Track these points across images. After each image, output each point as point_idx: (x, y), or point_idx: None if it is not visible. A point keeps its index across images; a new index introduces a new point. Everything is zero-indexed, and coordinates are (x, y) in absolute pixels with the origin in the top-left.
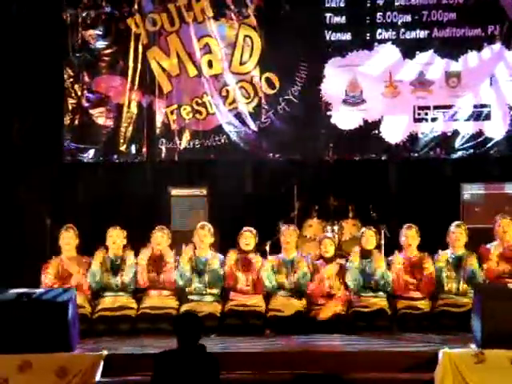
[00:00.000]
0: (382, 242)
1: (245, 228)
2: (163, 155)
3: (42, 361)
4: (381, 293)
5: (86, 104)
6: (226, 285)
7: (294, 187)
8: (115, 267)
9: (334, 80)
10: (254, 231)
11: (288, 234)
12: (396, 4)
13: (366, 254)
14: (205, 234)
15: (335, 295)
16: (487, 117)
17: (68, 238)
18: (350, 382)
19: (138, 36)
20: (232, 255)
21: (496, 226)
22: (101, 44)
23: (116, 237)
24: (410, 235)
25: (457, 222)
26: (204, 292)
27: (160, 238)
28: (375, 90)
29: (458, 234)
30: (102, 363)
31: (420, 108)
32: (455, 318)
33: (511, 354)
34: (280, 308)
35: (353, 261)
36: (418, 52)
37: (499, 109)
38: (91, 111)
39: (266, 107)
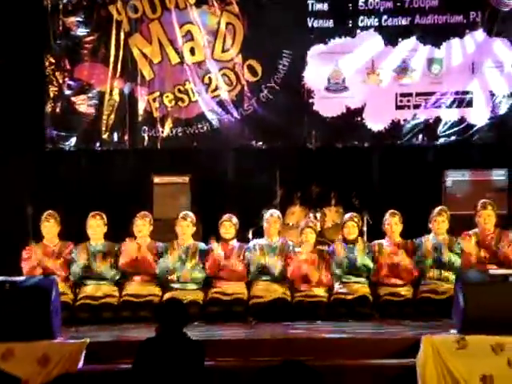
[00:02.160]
0: (365, 228)
1: (224, 217)
2: (145, 143)
3: (24, 349)
4: (363, 279)
5: (68, 91)
6: (208, 273)
7: (276, 174)
8: (97, 255)
9: (317, 67)
10: (234, 220)
11: (272, 221)
12: None
13: (348, 241)
14: (187, 224)
15: (314, 281)
16: (469, 103)
17: (49, 227)
18: (327, 368)
19: (120, 23)
20: (214, 244)
21: (477, 215)
22: (82, 31)
23: (96, 226)
24: (393, 222)
25: (439, 208)
26: (187, 280)
27: (141, 225)
28: (358, 77)
29: (439, 220)
30: (84, 351)
31: (402, 95)
32: (437, 304)
33: (492, 340)
34: (261, 294)
35: (337, 250)
36: (400, 39)
37: (481, 95)
38: (73, 99)
39: (248, 95)
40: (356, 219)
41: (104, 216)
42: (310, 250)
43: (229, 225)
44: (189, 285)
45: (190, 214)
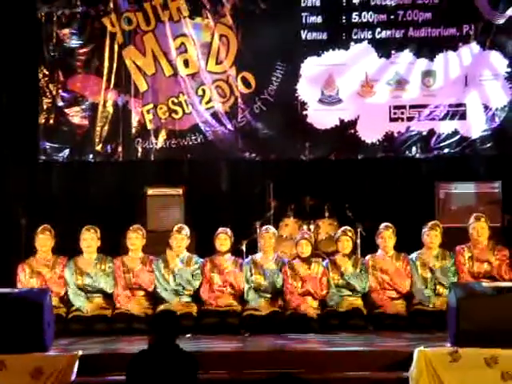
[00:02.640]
0: (358, 241)
1: (220, 230)
2: (139, 155)
3: (16, 361)
4: (355, 292)
5: (61, 103)
6: (201, 286)
7: (270, 186)
8: (91, 269)
9: (310, 80)
10: (229, 232)
11: (268, 237)
12: (371, 4)
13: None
14: (182, 237)
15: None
16: (463, 116)
17: (44, 240)
18: (321, 381)
19: (114, 35)
20: (207, 264)
21: (470, 228)
22: (76, 43)
23: (90, 240)
24: (386, 235)
25: (432, 223)
26: (180, 292)
27: (134, 239)
28: (351, 89)
29: (432, 234)
30: (77, 363)
31: (396, 107)
32: (430, 316)
33: (486, 353)
34: (256, 307)
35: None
36: (393, 52)
37: (475, 108)
38: (66, 110)
39: (242, 106)
40: (350, 233)
41: (98, 230)
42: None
43: (224, 237)
44: (182, 297)
45: (185, 227)
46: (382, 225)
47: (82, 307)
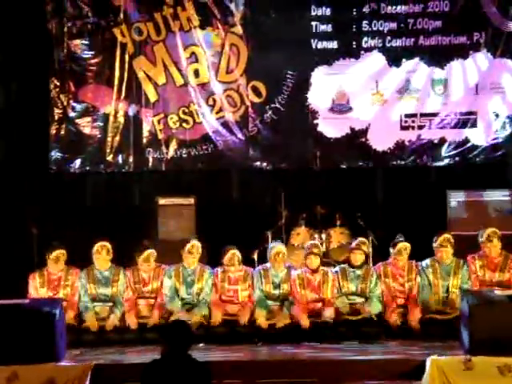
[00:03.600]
0: (370, 250)
1: (232, 251)
2: (150, 164)
3: (29, 372)
4: (372, 301)
5: (72, 114)
6: (214, 297)
7: (281, 195)
8: (103, 280)
9: (321, 88)
10: (237, 252)
11: (280, 259)
12: (382, 12)
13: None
14: (193, 256)
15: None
16: (473, 124)
17: (61, 260)
18: None
19: (124, 45)
20: (218, 274)
21: (482, 245)
22: (87, 54)
23: (102, 260)
24: (404, 253)
25: (442, 240)
26: (192, 302)
27: (147, 266)
28: (362, 97)
29: (443, 252)
30: (89, 373)
31: (407, 116)
32: (443, 325)
33: (499, 361)
34: (264, 320)
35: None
36: (404, 60)
37: (485, 116)
38: (77, 121)
39: (252, 116)
40: (364, 247)
41: (109, 247)
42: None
43: (237, 260)
44: (194, 308)
45: (197, 244)
46: (402, 244)
47: (90, 325)
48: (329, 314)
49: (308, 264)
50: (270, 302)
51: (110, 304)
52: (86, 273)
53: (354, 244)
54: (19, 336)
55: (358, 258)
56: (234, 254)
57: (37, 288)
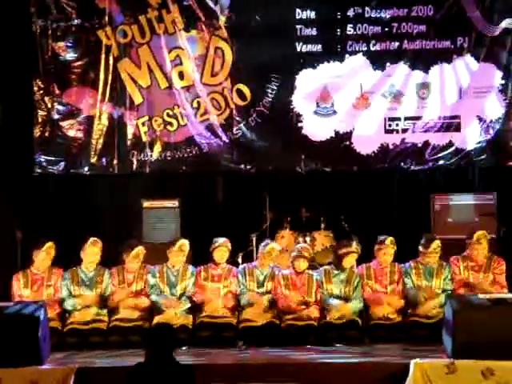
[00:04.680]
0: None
1: (220, 241)
2: (134, 167)
3: (12, 375)
4: (352, 304)
5: (56, 116)
6: (196, 297)
7: (265, 198)
8: (88, 281)
9: (306, 92)
10: (229, 245)
11: (270, 248)
12: (366, 16)
13: (337, 265)
14: (183, 255)
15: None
16: (457, 128)
17: (44, 257)
18: None
19: (109, 48)
20: (201, 273)
21: (470, 247)
22: (71, 56)
23: (95, 254)
24: (389, 252)
25: (437, 243)
26: (175, 300)
27: (135, 265)
28: (346, 101)
29: (435, 254)
30: (73, 377)
31: (391, 119)
32: (426, 328)
33: (482, 364)
34: (251, 318)
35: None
36: (388, 64)
37: (469, 120)
38: (61, 123)
39: (237, 119)
40: (359, 250)
41: (100, 244)
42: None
43: (225, 250)
44: (178, 308)
45: (186, 243)
46: (388, 240)
47: (74, 305)
48: (310, 312)
49: (295, 266)
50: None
51: (93, 307)
52: (70, 274)
53: (352, 248)
54: (2, 339)
55: (353, 261)
56: (226, 241)
57: (20, 288)
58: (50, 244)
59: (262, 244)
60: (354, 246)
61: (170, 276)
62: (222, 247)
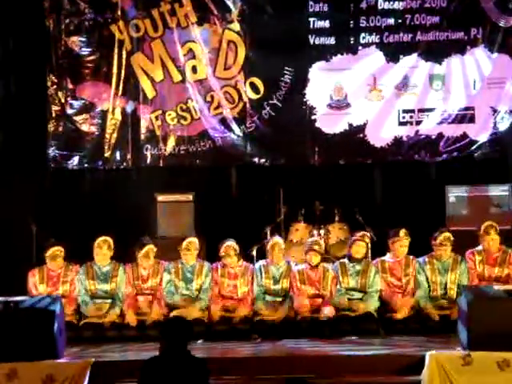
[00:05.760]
0: (369, 245)
1: (227, 244)
2: (148, 161)
3: (28, 369)
4: (369, 298)
5: (70, 111)
6: (213, 291)
7: (279, 192)
8: (102, 276)
9: (319, 84)
10: (236, 246)
11: (277, 250)
12: (379, 8)
13: (354, 259)
14: (191, 253)
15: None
16: (471, 119)
17: (58, 257)
18: None
19: (122, 42)
20: (218, 269)
21: (481, 239)
22: (84, 50)
23: (103, 255)
24: (404, 244)
25: (443, 237)
26: (192, 298)
27: (146, 262)
28: (360, 93)
29: (442, 249)
30: (89, 370)
31: (404, 111)
32: (442, 320)
33: (498, 356)
34: (266, 312)
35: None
36: (401, 56)
37: (483, 111)
38: (75, 118)
39: (250, 112)
40: (367, 239)
41: (111, 242)
42: None
43: (233, 253)
44: (193, 303)
45: (194, 241)
46: (402, 232)
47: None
48: (327, 312)
49: (308, 260)
50: (269, 298)
51: (109, 300)
52: (85, 269)
53: (357, 235)
54: (18, 333)
55: (360, 250)
56: (229, 246)
57: (36, 284)
58: (55, 248)
59: (266, 241)
60: (364, 234)
61: (185, 272)
62: (229, 253)
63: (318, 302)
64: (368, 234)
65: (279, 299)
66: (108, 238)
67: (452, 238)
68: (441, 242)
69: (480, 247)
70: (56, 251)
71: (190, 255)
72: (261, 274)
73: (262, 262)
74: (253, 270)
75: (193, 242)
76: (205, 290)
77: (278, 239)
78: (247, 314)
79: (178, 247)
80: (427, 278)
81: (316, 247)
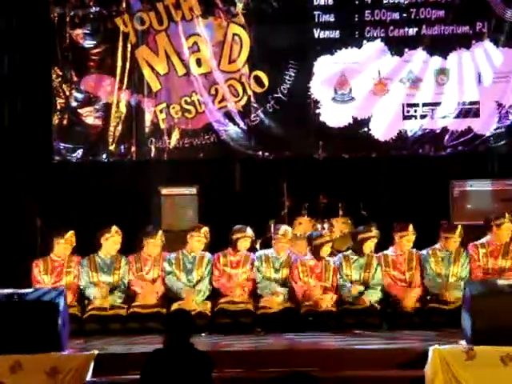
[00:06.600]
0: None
1: (247, 232)
2: (152, 154)
3: (32, 361)
4: (371, 290)
5: (75, 103)
6: (215, 283)
7: (283, 185)
8: (106, 267)
9: (323, 78)
10: (252, 234)
11: (284, 241)
12: (384, 2)
13: (357, 251)
14: (200, 237)
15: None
16: (476, 114)
17: (65, 246)
18: (335, 379)
19: (127, 35)
20: (220, 258)
21: (492, 231)
22: (89, 43)
23: (115, 243)
24: (411, 239)
25: (448, 233)
26: (192, 289)
27: (152, 247)
28: (364, 87)
29: (451, 241)
30: (92, 363)
31: (409, 105)
32: (445, 314)
33: (502, 350)
34: (269, 305)
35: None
36: (406, 49)
37: (487, 106)
38: (80, 111)
39: (255, 105)
40: (378, 236)
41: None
42: None
43: (249, 241)
44: (196, 295)
45: (204, 227)
46: (411, 227)
47: (95, 296)
48: (329, 298)
49: (323, 252)
50: (270, 286)
51: (112, 293)
52: (88, 260)
53: (369, 233)
54: (22, 325)
55: (372, 246)
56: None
57: (40, 275)
58: (71, 233)
59: (276, 228)
60: (374, 230)
61: (186, 263)
62: (247, 237)
63: (321, 294)
64: (377, 231)
65: (279, 288)
66: (118, 229)
67: (460, 229)
68: (448, 236)
69: (483, 240)
70: (71, 236)
71: (202, 243)
72: (261, 263)
73: (263, 251)
74: (254, 259)
75: (207, 230)
76: (205, 281)
77: (287, 228)
78: (250, 307)
79: (190, 234)
80: (432, 271)
81: (327, 238)
